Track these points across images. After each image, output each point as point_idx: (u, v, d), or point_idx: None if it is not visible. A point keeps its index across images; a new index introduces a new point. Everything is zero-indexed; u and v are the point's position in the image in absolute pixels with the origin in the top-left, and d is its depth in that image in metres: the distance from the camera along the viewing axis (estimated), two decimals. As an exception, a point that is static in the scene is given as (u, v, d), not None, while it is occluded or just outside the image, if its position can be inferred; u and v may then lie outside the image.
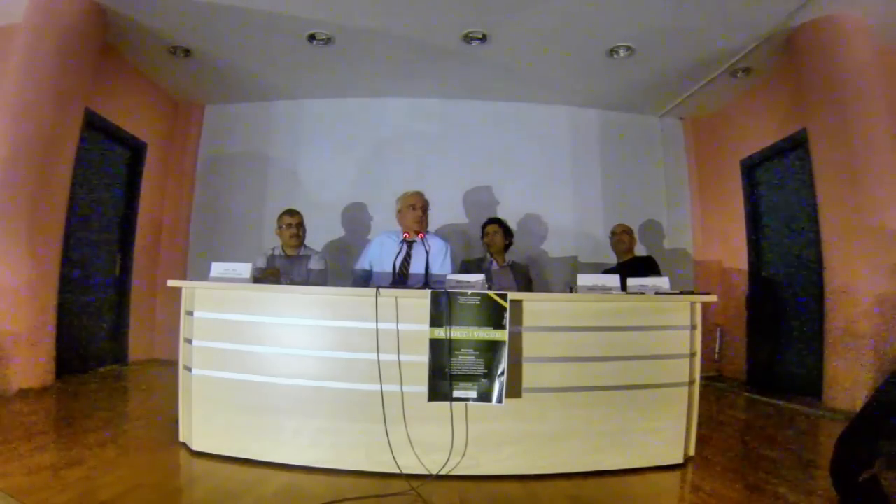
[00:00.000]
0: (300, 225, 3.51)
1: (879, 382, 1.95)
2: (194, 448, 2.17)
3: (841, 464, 1.78)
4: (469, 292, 2.05)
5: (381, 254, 3.21)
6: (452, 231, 4.73)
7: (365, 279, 3.20)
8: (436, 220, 4.26)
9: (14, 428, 2.40)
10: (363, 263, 3.29)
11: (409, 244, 3.15)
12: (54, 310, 3.40)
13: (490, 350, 2.02)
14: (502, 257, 3.72)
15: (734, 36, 3.72)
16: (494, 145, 4.95)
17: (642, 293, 2.29)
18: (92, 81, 3.67)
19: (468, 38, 3.88)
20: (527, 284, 3.66)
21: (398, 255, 3.08)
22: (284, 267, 3.31)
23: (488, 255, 3.75)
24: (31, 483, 1.75)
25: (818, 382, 3.44)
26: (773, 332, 4.18)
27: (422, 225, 3.15)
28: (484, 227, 3.81)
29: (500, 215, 4.10)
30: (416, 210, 3.14)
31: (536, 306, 2.14)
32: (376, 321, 2.05)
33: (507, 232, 3.76)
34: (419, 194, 3.24)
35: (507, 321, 2.02)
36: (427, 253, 2.92)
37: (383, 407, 2.02)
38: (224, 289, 2.23)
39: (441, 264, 3.11)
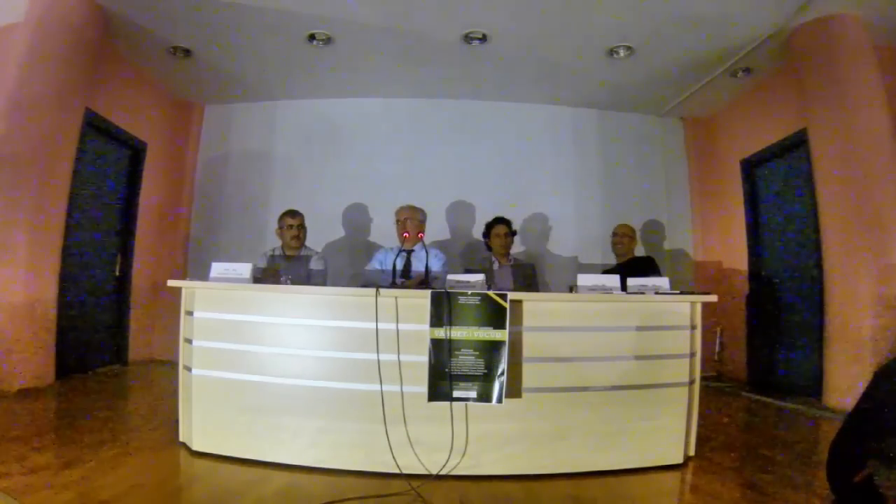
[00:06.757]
0: (301, 226, 3.53)
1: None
2: (194, 448, 2.17)
3: (835, 465, 1.79)
4: (469, 292, 2.06)
5: (382, 266, 3.38)
6: (452, 233, 4.73)
7: (375, 276, 3.29)
8: (435, 219, 4.27)
9: (14, 428, 2.40)
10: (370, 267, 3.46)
11: (409, 252, 3.41)
12: (54, 310, 3.40)
13: (490, 350, 2.02)
14: (505, 257, 3.71)
15: (734, 36, 3.72)
16: (495, 145, 4.95)
17: (642, 293, 2.29)
18: (92, 81, 3.67)
19: (468, 38, 3.88)
20: (530, 284, 3.62)
21: (397, 258, 3.26)
22: (285, 267, 3.31)
23: (490, 254, 3.73)
24: (30, 483, 1.75)
25: (818, 382, 3.44)
26: (772, 332, 4.17)
27: (420, 231, 3.37)
28: (490, 226, 3.75)
29: (500, 215, 4.06)
30: (414, 221, 3.42)
31: (536, 306, 2.14)
32: (376, 321, 2.06)
33: (512, 231, 3.73)
34: (419, 209, 3.53)
35: (507, 321, 2.02)
36: (427, 256, 2.97)
37: (383, 407, 2.02)
38: (224, 289, 2.23)
39: (440, 268, 3.22)
